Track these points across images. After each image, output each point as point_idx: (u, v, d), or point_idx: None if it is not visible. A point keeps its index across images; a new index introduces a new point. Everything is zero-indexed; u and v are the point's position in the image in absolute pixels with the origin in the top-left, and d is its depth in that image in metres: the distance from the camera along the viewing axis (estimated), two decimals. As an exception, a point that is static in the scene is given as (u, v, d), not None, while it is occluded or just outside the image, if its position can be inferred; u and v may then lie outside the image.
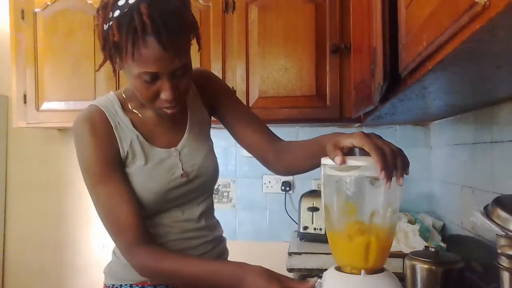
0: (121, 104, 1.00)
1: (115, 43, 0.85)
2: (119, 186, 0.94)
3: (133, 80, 0.89)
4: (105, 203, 0.94)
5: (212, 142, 1.11)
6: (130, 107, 1.00)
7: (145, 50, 0.82)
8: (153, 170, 0.98)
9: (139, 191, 0.96)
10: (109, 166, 0.94)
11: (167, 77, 0.87)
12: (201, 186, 1.05)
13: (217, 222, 1.13)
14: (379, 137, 0.77)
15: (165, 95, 0.89)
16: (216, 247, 1.09)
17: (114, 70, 0.93)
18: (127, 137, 0.98)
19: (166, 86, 0.88)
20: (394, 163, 0.72)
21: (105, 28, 0.86)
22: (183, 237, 1.03)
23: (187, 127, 1.05)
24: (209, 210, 1.10)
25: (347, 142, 0.77)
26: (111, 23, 0.84)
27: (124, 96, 1.01)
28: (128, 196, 0.94)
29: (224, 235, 1.15)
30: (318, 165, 0.95)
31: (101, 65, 0.95)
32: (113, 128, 0.96)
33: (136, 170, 0.97)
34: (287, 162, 1.05)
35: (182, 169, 1.01)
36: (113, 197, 0.93)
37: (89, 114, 0.96)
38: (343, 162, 0.73)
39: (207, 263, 0.93)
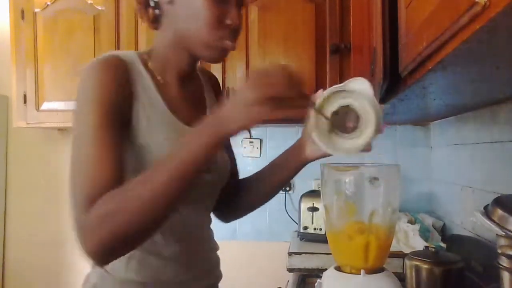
0: (142, 63, 0.87)
1: None
2: (111, 145, 0.75)
3: (197, 1, 0.82)
4: (89, 153, 0.74)
5: None
6: (152, 69, 0.88)
7: None
8: (174, 146, 0.75)
9: None
10: (112, 115, 0.78)
11: (235, 2, 0.84)
12: (215, 181, 0.95)
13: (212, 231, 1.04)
14: None
15: (232, 18, 0.83)
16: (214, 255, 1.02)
17: (148, 18, 0.88)
18: (145, 98, 0.84)
19: (234, 11, 0.83)
20: None
21: None
22: (192, 247, 0.93)
23: (207, 112, 0.98)
24: (210, 219, 1.02)
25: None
26: None
27: (146, 57, 0.90)
28: (118, 158, 0.76)
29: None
30: (277, 188, 1.02)
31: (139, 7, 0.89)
32: (131, 82, 0.83)
33: (155, 144, 0.82)
34: (230, 209, 1.06)
35: None
36: (102, 150, 0.74)
37: (104, 59, 0.82)
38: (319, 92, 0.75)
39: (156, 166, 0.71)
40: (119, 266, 0.86)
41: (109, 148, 0.75)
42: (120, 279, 0.86)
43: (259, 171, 1.05)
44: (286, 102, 0.65)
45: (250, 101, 0.64)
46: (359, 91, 0.73)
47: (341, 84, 0.75)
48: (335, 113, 0.75)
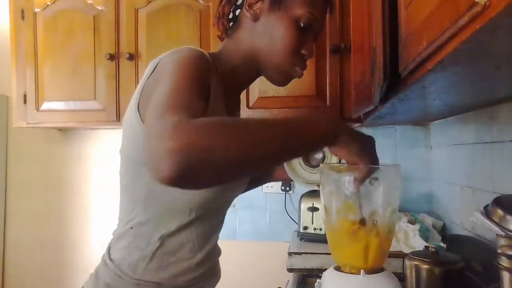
0: (213, 63, 0.88)
1: None
2: (203, 91, 0.72)
3: (284, 25, 0.87)
4: (183, 85, 0.68)
5: None
6: (219, 72, 0.89)
7: None
8: None
9: None
10: (200, 88, 0.71)
11: (314, 32, 0.92)
12: (236, 191, 1.05)
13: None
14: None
15: (307, 49, 0.91)
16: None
17: (224, 21, 0.93)
18: (214, 94, 0.83)
19: (311, 40, 0.91)
20: None
21: None
22: (208, 254, 0.96)
23: None
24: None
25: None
26: None
27: (215, 56, 0.91)
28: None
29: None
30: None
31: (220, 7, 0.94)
32: (211, 75, 0.82)
33: None
34: None
35: None
36: (194, 85, 0.69)
37: (195, 48, 0.80)
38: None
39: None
40: (136, 266, 0.88)
41: (201, 88, 0.70)
42: (135, 280, 0.87)
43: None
44: None
45: (367, 152, 0.70)
46: None
47: None
48: None
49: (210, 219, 0.95)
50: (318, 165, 0.82)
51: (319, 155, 0.85)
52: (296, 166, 0.85)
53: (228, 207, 1.04)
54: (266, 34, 0.88)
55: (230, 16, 0.93)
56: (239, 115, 1.08)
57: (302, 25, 0.87)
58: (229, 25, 0.94)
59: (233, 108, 0.99)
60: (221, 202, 0.97)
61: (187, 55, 0.76)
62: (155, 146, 0.55)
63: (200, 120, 0.58)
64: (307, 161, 0.85)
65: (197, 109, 0.63)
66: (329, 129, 0.68)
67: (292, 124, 0.65)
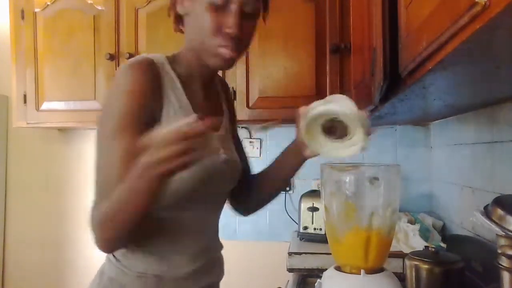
0: (169, 64, 0.92)
1: None
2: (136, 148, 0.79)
3: (200, 10, 0.87)
4: (113, 158, 0.81)
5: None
6: (179, 73, 0.93)
7: None
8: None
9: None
10: (139, 121, 0.82)
11: (236, 7, 0.86)
12: (225, 182, 1.00)
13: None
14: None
15: (229, 26, 0.86)
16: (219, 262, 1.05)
17: (176, 22, 0.93)
18: (176, 101, 0.89)
19: (233, 19, 0.85)
20: None
21: None
22: (205, 246, 0.97)
23: (224, 117, 1.03)
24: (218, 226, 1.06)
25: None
26: None
27: (173, 60, 0.94)
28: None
29: (223, 235, 1.10)
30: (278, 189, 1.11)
31: (170, 9, 0.94)
32: (163, 86, 0.87)
33: None
34: (250, 201, 1.12)
35: (225, 154, 0.95)
36: (125, 157, 0.79)
37: (140, 61, 0.87)
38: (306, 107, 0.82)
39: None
40: (137, 260, 0.91)
41: (133, 154, 0.77)
42: (137, 273, 0.90)
43: (263, 169, 1.11)
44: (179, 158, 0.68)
45: (155, 163, 0.69)
46: (341, 104, 0.81)
47: (322, 100, 0.84)
48: (324, 126, 0.85)
49: (202, 212, 0.96)
50: (345, 135, 0.82)
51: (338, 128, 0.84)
52: (327, 144, 0.83)
53: (221, 202, 1.03)
54: (193, 24, 0.90)
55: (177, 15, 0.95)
56: (221, 103, 1.05)
57: (217, 4, 0.85)
58: (179, 24, 0.96)
59: (204, 97, 0.98)
60: (206, 195, 0.94)
61: (123, 88, 0.83)
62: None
63: (98, 220, 0.80)
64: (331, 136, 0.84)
65: (111, 182, 0.79)
66: (141, 174, 0.72)
67: (124, 192, 0.76)
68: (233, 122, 1.13)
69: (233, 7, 0.86)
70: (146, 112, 0.84)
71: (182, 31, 0.97)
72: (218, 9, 0.86)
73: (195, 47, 0.92)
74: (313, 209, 1.77)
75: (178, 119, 0.80)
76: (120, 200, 0.76)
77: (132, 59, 0.87)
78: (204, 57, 0.91)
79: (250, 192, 1.11)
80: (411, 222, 1.69)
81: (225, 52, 0.88)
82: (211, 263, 1.00)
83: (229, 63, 0.90)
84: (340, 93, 1.76)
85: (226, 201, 1.07)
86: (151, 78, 0.85)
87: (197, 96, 0.95)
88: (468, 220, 1.38)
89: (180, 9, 0.93)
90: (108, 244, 0.83)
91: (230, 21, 0.86)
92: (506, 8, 0.37)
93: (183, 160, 0.67)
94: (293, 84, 1.80)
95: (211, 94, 1.02)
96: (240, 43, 0.89)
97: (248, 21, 0.89)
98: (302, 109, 0.89)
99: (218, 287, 1.06)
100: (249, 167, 1.14)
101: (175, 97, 0.89)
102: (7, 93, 2.34)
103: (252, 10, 0.89)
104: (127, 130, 0.81)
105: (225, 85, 1.14)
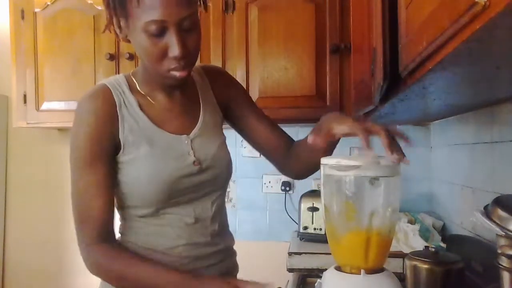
0: (129, 85, 0.96)
1: None
2: (101, 176, 0.89)
3: (139, 39, 0.85)
4: (81, 190, 0.90)
5: (225, 137, 1.07)
6: (138, 89, 0.96)
7: None
8: (161, 155, 0.92)
9: (146, 178, 0.90)
10: (99, 152, 0.90)
11: (174, 29, 0.83)
12: (214, 178, 0.99)
13: (230, 232, 1.10)
14: (374, 124, 0.78)
15: (173, 51, 0.84)
16: (226, 259, 1.04)
17: (118, 36, 0.91)
18: (131, 118, 0.93)
19: (174, 41, 0.83)
20: (391, 141, 0.74)
21: None
22: (194, 242, 0.97)
23: (200, 116, 1.01)
24: (222, 213, 1.05)
25: (339, 130, 0.80)
26: None
27: (133, 78, 0.97)
28: (106, 189, 0.90)
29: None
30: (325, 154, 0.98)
31: (106, 26, 0.92)
32: (117, 107, 0.92)
33: (141, 156, 0.91)
34: (295, 168, 1.09)
35: (194, 156, 0.95)
36: (92, 186, 0.89)
37: (94, 91, 0.93)
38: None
39: (161, 270, 0.88)
40: (139, 235, 0.97)
41: (99, 182, 0.90)
42: (140, 247, 0.95)
43: (301, 141, 1.05)
44: None
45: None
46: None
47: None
48: None
49: (189, 208, 0.97)
50: None
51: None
52: None
53: (216, 193, 1.01)
54: (136, 47, 0.90)
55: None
56: (199, 100, 1.04)
57: (153, 33, 0.83)
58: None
59: (175, 102, 0.99)
60: (183, 196, 0.96)
61: (81, 123, 0.90)
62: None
63: (107, 266, 0.91)
64: None
65: (96, 212, 0.89)
66: None
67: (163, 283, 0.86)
68: (237, 109, 1.09)
69: (171, 29, 0.83)
70: (104, 139, 0.90)
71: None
72: (156, 35, 0.84)
73: (147, 66, 0.92)
74: (313, 209, 1.77)
75: (134, 134, 0.92)
76: (155, 284, 0.86)
77: (87, 91, 0.93)
78: (157, 77, 0.92)
79: (295, 159, 1.06)
80: (411, 222, 1.69)
81: (175, 73, 0.88)
82: (226, 252, 1.05)
83: (183, 80, 0.91)
84: (340, 93, 1.77)
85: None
86: (104, 106, 0.91)
87: (159, 106, 0.97)
88: (468, 220, 1.38)
89: (117, 31, 0.90)
90: (104, 279, 0.97)
91: (172, 45, 0.84)
92: (506, 8, 0.37)
93: None
94: (293, 84, 1.80)
95: (184, 97, 1.01)
96: (189, 58, 0.88)
97: (190, 34, 0.87)
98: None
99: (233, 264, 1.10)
100: (277, 133, 1.08)
101: (131, 115, 0.93)
102: (7, 93, 2.34)
103: (190, 24, 0.86)
104: (89, 162, 0.89)
105: (211, 74, 1.09)
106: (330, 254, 0.82)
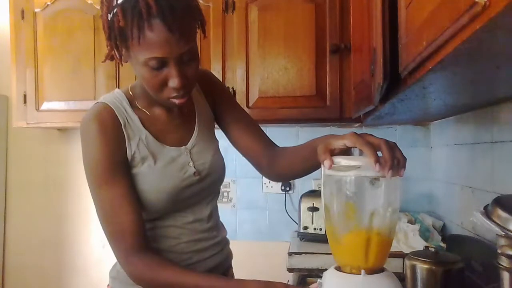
0: (129, 101, 0.98)
1: (121, 30, 0.84)
2: (122, 190, 0.92)
3: (140, 69, 0.87)
4: (106, 206, 0.92)
5: (218, 141, 1.11)
6: (138, 105, 0.99)
7: (151, 34, 0.81)
8: (165, 169, 0.97)
9: (152, 191, 0.95)
10: (115, 168, 0.92)
11: (174, 63, 0.85)
12: (211, 184, 1.04)
13: (222, 223, 1.13)
14: (371, 135, 0.77)
15: (173, 82, 0.87)
16: (224, 249, 1.09)
17: (120, 61, 0.92)
18: (136, 135, 0.96)
19: (174, 73, 0.86)
20: (392, 156, 0.73)
21: (109, 17, 0.86)
22: (194, 238, 1.02)
23: (196, 126, 1.05)
24: (216, 210, 1.11)
25: (339, 144, 0.78)
26: (115, 10, 0.83)
27: (132, 94, 0.99)
28: (131, 200, 0.92)
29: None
30: (310, 169, 0.99)
31: (107, 56, 0.93)
32: (122, 126, 0.94)
33: (147, 170, 0.95)
34: (279, 168, 1.06)
35: (194, 167, 1.00)
36: (116, 201, 0.91)
37: (98, 111, 0.94)
38: (331, 166, 0.75)
39: (206, 277, 0.91)
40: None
41: (123, 194, 0.92)
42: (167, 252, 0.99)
43: (295, 147, 1.05)
44: None
45: None
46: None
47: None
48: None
49: (189, 214, 1.02)
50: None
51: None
52: None
53: (209, 198, 1.06)
54: (137, 74, 0.92)
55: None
56: (197, 116, 1.06)
57: (154, 67, 0.85)
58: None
59: (182, 117, 1.03)
60: (184, 202, 1.00)
61: (91, 148, 0.92)
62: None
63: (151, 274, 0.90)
64: None
65: (126, 225, 0.91)
66: None
67: None
68: (221, 113, 1.11)
69: (171, 63, 0.85)
70: (117, 155, 0.93)
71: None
72: (156, 68, 0.86)
73: (148, 90, 0.93)
74: (313, 209, 1.77)
75: (140, 150, 0.95)
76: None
77: (90, 112, 0.94)
78: (157, 100, 0.95)
79: (278, 163, 1.06)
80: (411, 222, 1.69)
81: (175, 101, 0.91)
82: (222, 244, 1.08)
83: (182, 105, 0.94)
84: (340, 93, 1.77)
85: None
86: (110, 127, 0.93)
87: (159, 121, 1.00)
88: (468, 220, 1.38)
89: (118, 55, 0.91)
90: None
91: (172, 77, 0.87)
92: (506, 8, 0.37)
93: None
94: (293, 84, 1.80)
95: (182, 107, 1.02)
96: (188, 85, 0.90)
97: (190, 64, 0.89)
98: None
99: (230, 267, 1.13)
100: (261, 139, 1.09)
101: (135, 132, 0.96)
102: (7, 93, 2.34)
103: (190, 56, 0.88)
104: (108, 177, 0.91)
105: (205, 80, 1.10)
106: (330, 254, 0.82)
